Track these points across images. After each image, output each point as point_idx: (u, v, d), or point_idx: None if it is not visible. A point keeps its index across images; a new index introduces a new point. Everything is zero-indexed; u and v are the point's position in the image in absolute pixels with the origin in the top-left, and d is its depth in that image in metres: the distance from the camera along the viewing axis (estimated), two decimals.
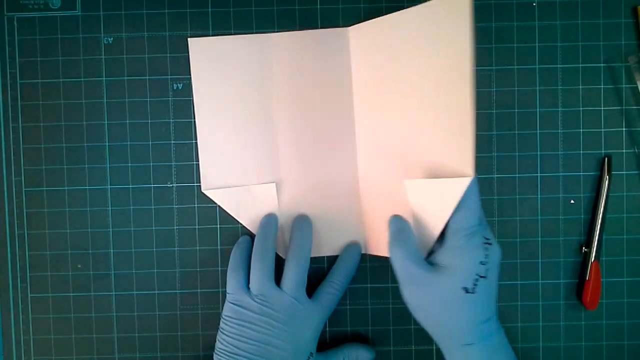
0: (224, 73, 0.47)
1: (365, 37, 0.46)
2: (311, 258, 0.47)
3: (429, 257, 0.41)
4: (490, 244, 0.40)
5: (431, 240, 0.41)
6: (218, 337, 0.43)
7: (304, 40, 0.47)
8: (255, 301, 0.42)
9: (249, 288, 0.43)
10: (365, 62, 0.47)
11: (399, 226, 0.42)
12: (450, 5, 0.39)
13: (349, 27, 0.47)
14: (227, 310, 0.43)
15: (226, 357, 0.42)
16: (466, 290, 0.38)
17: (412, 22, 0.42)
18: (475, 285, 0.38)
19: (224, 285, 0.48)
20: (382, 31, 0.45)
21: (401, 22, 0.43)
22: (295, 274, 0.43)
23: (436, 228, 0.41)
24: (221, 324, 0.43)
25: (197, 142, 0.47)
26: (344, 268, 0.46)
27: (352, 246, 0.47)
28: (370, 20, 0.46)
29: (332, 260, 0.48)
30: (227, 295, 0.44)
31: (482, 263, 0.39)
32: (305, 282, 0.44)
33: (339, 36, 0.47)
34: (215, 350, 0.43)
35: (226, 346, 0.42)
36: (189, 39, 0.47)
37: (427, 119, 0.42)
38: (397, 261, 0.40)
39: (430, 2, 0.40)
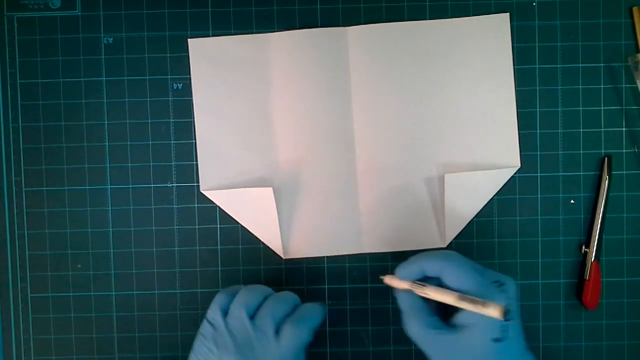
0: (223, 73, 0.47)
1: (369, 38, 0.47)
2: (310, 258, 0.47)
3: (450, 320, 0.39)
4: (502, 283, 0.38)
5: (459, 228, 0.47)
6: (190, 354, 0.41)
7: (303, 40, 0.47)
8: (225, 322, 0.40)
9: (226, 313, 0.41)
10: (366, 62, 0.47)
11: (410, 302, 0.40)
12: (492, 21, 0.47)
13: (348, 27, 0.47)
14: (202, 327, 0.41)
15: None
16: (497, 339, 0.37)
17: (448, 32, 0.47)
18: (505, 332, 0.37)
19: (224, 285, 0.48)
20: (394, 35, 0.47)
21: (430, 30, 0.47)
22: (273, 311, 0.40)
23: (467, 217, 0.47)
24: (194, 342, 0.41)
25: (196, 142, 0.47)
26: (309, 315, 0.42)
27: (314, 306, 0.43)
28: (384, 24, 0.47)
29: (332, 260, 0.48)
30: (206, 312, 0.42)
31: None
32: (285, 327, 0.40)
33: (338, 36, 0.47)
34: None
35: None
36: (189, 39, 0.47)
37: (463, 115, 0.47)
38: (417, 333, 0.39)
39: (470, 18, 0.47)
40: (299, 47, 0.47)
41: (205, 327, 0.41)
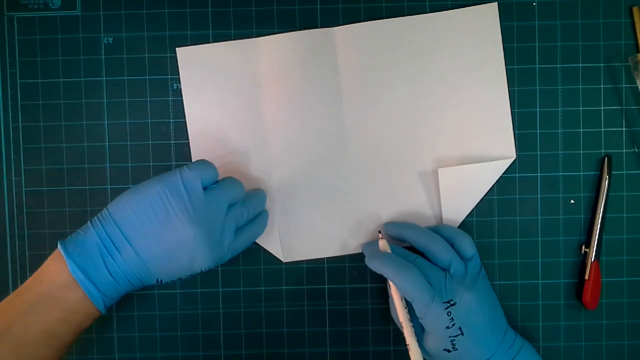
0: (213, 80, 0.47)
1: (356, 37, 0.47)
2: (310, 260, 0.47)
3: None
4: (453, 304, 0.40)
5: (457, 222, 0.47)
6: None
7: (290, 43, 0.47)
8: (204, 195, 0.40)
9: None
10: (354, 61, 0.47)
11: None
12: (481, 12, 0.47)
13: (335, 27, 0.47)
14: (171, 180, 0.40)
15: (132, 210, 0.39)
16: (448, 350, 0.41)
17: (436, 26, 0.47)
18: (453, 344, 0.40)
19: (224, 285, 0.48)
20: (382, 33, 0.47)
21: (418, 25, 0.47)
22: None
23: (465, 211, 0.47)
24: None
25: None
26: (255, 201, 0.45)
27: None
28: (371, 22, 0.47)
29: (332, 260, 0.48)
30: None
31: (447, 327, 0.40)
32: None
33: (325, 36, 0.47)
34: None
35: (140, 203, 0.39)
36: (177, 48, 0.47)
37: (456, 108, 0.47)
38: (394, 317, 0.44)
39: (458, 10, 0.47)
40: (287, 50, 0.47)
41: (175, 186, 0.39)
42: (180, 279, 0.41)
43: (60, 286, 0.38)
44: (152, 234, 0.38)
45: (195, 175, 0.40)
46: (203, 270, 0.41)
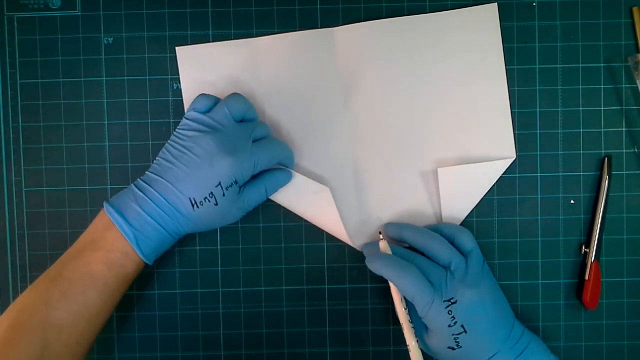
0: (213, 80, 0.47)
1: (356, 37, 0.47)
2: (310, 258, 0.47)
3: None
4: (454, 302, 0.41)
5: (457, 222, 0.47)
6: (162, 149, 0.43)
7: (290, 43, 0.47)
8: (208, 116, 0.42)
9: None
10: (354, 61, 0.47)
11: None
12: (480, 13, 0.47)
13: (334, 28, 0.47)
14: (179, 126, 0.43)
15: (156, 162, 0.42)
16: (452, 348, 0.41)
17: (436, 26, 0.47)
18: (457, 342, 0.41)
19: (224, 285, 0.48)
20: (382, 32, 0.47)
21: (419, 25, 0.47)
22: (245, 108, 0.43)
23: (465, 211, 0.47)
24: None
25: None
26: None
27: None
28: (370, 22, 0.47)
29: (332, 260, 0.48)
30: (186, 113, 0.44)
31: (449, 325, 0.40)
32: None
33: (325, 37, 0.47)
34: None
35: (161, 153, 0.43)
36: (176, 47, 0.47)
37: (456, 108, 0.47)
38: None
39: (458, 10, 0.47)
40: (287, 50, 0.47)
41: (183, 123, 0.43)
42: (213, 195, 0.41)
43: (101, 229, 0.41)
44: (174, 162, 0.41)
45: (191, 107, 0.43)
46: (230, 180, 0.41)
